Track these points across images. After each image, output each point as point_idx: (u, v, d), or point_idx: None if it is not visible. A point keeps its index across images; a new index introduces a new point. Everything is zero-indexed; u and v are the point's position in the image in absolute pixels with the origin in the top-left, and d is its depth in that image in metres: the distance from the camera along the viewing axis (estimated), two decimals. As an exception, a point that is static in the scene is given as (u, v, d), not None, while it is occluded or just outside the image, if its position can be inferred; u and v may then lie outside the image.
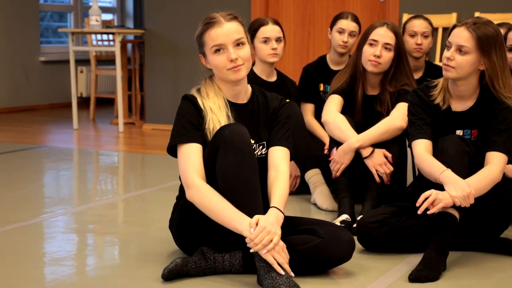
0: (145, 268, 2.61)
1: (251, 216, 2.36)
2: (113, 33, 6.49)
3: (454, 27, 2.73)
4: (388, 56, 3.35)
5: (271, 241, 2.31)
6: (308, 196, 3.69)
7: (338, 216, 3.20)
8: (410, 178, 3.58)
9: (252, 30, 3.76)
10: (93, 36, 7.55)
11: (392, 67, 3.39)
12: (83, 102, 8.17)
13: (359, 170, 3.29)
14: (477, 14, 5.05)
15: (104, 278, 2.54)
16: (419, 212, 2.52)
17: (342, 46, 4.03)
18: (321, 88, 4.13)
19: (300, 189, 3.76)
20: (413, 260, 2.65)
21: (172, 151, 2.55)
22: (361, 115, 3.45)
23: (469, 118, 2.80)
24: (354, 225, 3.03)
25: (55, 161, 5.00)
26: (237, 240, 2.40)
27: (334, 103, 3.45)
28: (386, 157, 3.26)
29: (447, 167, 2.59)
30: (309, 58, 5.42)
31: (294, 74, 4.55)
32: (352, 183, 3.32)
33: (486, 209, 2.72)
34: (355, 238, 2.67)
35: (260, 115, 2.64)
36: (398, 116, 3.30)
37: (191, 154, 2.47)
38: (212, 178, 2.44)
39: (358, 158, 3.29)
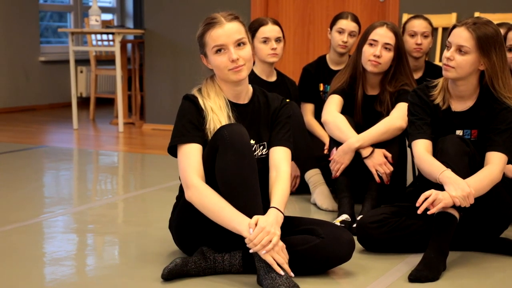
0: (145, 268, 2.61)
1: (250, 216, 2.36)
2: (113, 33, 6.49)
3: (454, 27, 2.73)
4: (388, 56, 3.35)
5: (270, 241, 2.31)
6: (308, 196, 3.69)
7: (338, 216, 3.20)
8: (410, 178, 3.58)
9: (251, 30, 3.76)
10: (93, 36, 7.56)
11: (392, 67, 3.39)
12: (83, 102, 8.17)
13: (359, 170, 3.29)
14: (477, 14, 5.05)
15: (104, 278, 2.54)
16: (419, 212, 2.52)
17: (342, 46, 4.03)
18: (321, 88, 4.13)
19: (300, 189, 3.76)
20: (413, 260, 2.65)
21: (173, 151, 2.55)
22: (361, 115, 3.46)
23: (469, 118, 2.80)
24: (354, 225, 3.03)
25: (55, 161, 5.00)
26: (237, 240, 2.40)
27: (334, 103, 3.45)
28: (386, 157, 3.26)
29: (447, 167, 2.59)
30: (309, 58, 5.42)
31: (294, 74, 4.56)
32: (352, 183, 3.32)
33: (486, 209, 2.72)
34: (355, 238, 2.67)
35: (261, 116, 2.64)
36: (398, 116, 3.30)
37: (191, 154, 2.47)
38: (212, 178, 2.44)
39: (358, 158, 3.29)
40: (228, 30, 2.49)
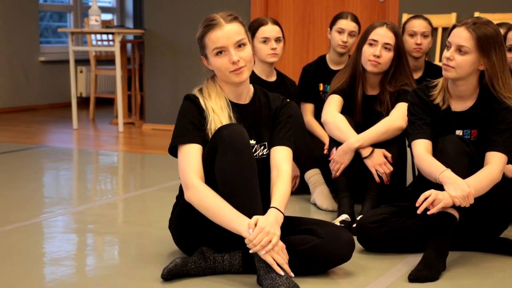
0: (145, 268, 2.61)
1: (250, 217, 2.36)
2: (112, 33, 6.49)
3: (453, 27, 2.73)
4: (387, 56, 3.35)
5: (270, 241, 2.31)
6: (308, 196, 3.69)
7: (338, 216, 3.20)
8: (409, 178, 3.58)
9: (251, 30, 3.76)
10: (93, 36, 7.55)
11: (391, 67, 3.39)
12: (83, 102, 8.17)
13: (359, 170, 3.29)
14: (476, 14, 5.05)
15: (104, 278, 2.54)
16: (419, 212, 2.52)
17: (342, 46, 4.03)
18: (321, 88, 4.13)
19: (300, 189, 3.76)
20: (413, 260, 2.65)
21: (174, 151, 2.55)
22: (361, 115, 3.46)
23: (468, 118, 2.80)
24: (354, 225, 3.03)
25: (55, 161, 5.00)
26: (236, 240, 2.40)
27: (333, 103, 3.45)
28: (385, 157, 3.26)
29: (447, 167, 2.59)
30: (308, 58, 5.42)
31: (294, 74, 4.56)
32: (352, 183, 3.32)
33: (485, 209, 2.72)
34: (355, 238, 2.67)
35: (262, 116, 2.63)
36: (397, 116, 3.30)
37: (191, 155, 2.47)
38: (211, 178, 2.44)
39: (357, 158, 3.29)
40: (228, 32, 2.48)
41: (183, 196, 2.48)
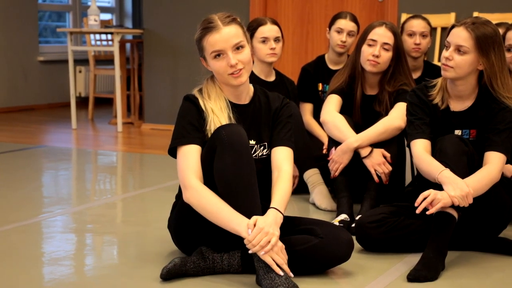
0: (144, 268, 2.61)
1: (249, 217, 2.35)
2: (111, 33, 6.49)
3: (452, 27, 2.73)
4: (386, 56, 3.35)
5: (269, 242, 2.30)
6: (307, 195, 3.69)
7: (337, 215, 3.20)
8: (408, 178, 3.58)
9: (250, 30, 3.77)
10: (92, 36, 7.55)
11: (390, 67, 3.39)
12: (82, 102, 8.17)
13: (358, 170, 3.29)
14: (475, 14, 5.05)
15: (103, 278, 2.53)
16: (418, 211, 2.52)
17: (341, 46, 4.04)
18: (320, 88, 4.13)
19: (299, 189, 3.75)
20: (412, 260, 2.65)
21: (173, 152, 2.54)
22: (360, 115, 3.46)
23: (467, 118, 2.80)
24: (353, 225, 3.03)
25: (54, 161, 4.99)
26: (235, 240, 2.40)
27: (332, 102, 3.45)
28: (384, 157, 3.26)
29: (446, 167, 2.59)
30: (307, 58, 5.42)
31: (293, 74, 4.56)
32: (351, 182, 3.32)
33: (484, 209, 2.72)
34: (354, 237, 2.67)
35: (262, 116, 2.63)
36: (396, 116, 3.30)
37: (190, 156, 2.47)
38: (210, 179, 2.44)
39: (356, 158, 3.29)
40: (226, 35, 2.47)
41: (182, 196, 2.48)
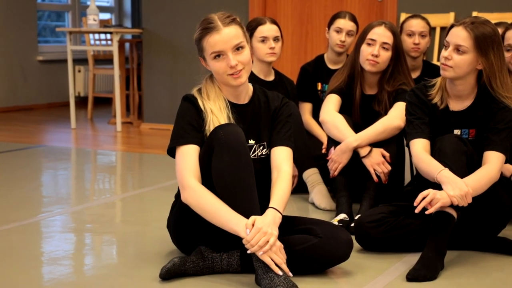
0: (143, 267, 2.61)
1: (247, 217, 2.35)
2: (111, 33, 6.48)
3: (452, 26, 2.73)
4: (386, 55, 3.35)
5: (267, 242, 2.30)
6: (306, 195, 3.69)
7: (336, 215, 3.20)
8: (408, 178, 3.59)
9: (250, 29, 3.76)
10: (91, 35, 7.55)
11: (390, 66, 3.39)
12: (81, 102, 8.17)
13: (357, 170, 3.29)
14: (474, 13, 5.05)
15: (102, 278, 2.53)
16: (417, 211, 2.52)
17: (340, 46, 4.04)
18: (319, 87, 4.13)
19: (298, 189, 3.75)
20: (411, 259, 2.65)
21: (172, 152, 2.54)
22: (359, 114, 3.46)
23: (466, 117, 2.80)
24: (352, 225, 3.03)
25: (53, 160, 4.99)
26: (235, 240, 2.40)
27: (332, 102, 3.45)
28: (384, 157, 3.26)
29: (445, 166, 2.59)
30: (307, 57, 5.42)
31: (292, 73, 4.56)
32: (350, 182, 3.32)
33: (483, 209, 2.72)
34: (353, 237, 2.67)
35: (261, 115, 2.63)
36: (396, 115, 3.30)
37: (188, 156, 2.46)
38: (208, 179, 2.44)
39: (356, 158, 3.29)
40: (226, 36, 2.47)
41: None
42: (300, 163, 3.66)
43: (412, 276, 2.48)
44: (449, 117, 2.81)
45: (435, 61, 5.03)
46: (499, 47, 2.70)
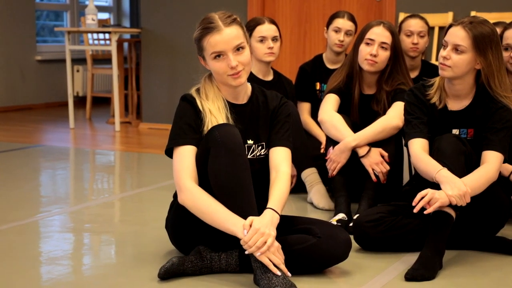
0: (142, 267, 2.61)
1: (245, 217, 2.35)
2: (109, 32, 6.48)
3: (450, 26, 2.73)
4: (384, 55, 3.35)
5: (265, 243, 2.30)
6: (305, 195, 3.69)
7: (335, 215, 3.20)
8: (406, 177, 3.59)
9: (248, 29, 3.76)
10: (89, 35, 7.55)
11: (388, 66, 3.39)
12: (80, 101, 8.16)
13: (356, 169, 3.29)
14: (473, 13, 5.05)
15: (101, 278, 2.53)
16: (415, 211, 2.52)
17: (338, 45, 4.04)
18: (318, 87, 4.13)
19: (297, 188, 3.75)
20: (410, 259, 2.65)
21: (170, 153, 2.53)
22: (358, 114, 3.46)
23: (465, 117, 2.80)
24: (351, 224, 3.03)
25: (52, 160, 4.99)
26: (233, 240, 2.39)
27: (330, 102, 3.45)
28: (382, 156, 3.26)
29: (444, 166, 2.59)
30: (305, 57, 5.42)
31: (291, 73, 4.56)
32: (349, 182, 3.32)
33: (482, 208, 2.72)
34: (351, 237, 2.67)
35: (260, 115, 2.62)
36: (394, 115, 3.30)
37: (185, 157, 2.46)
38: (205, 179, 2.43)
39: (354, 157, 3.29)
40: (227, 36, 2.45)
41: (180, 196, 2.48)
42: (299, 163, 3.66)
43: (410, 276, 2.48)
44: (447, 116, 2.81)
45: (433, 61, 5.03)
46: (498, 46, 2.70)
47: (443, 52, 2.71)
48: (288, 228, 2.52)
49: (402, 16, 5.22)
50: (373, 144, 3.29)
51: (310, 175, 3.62)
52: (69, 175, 4.58)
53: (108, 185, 4.39)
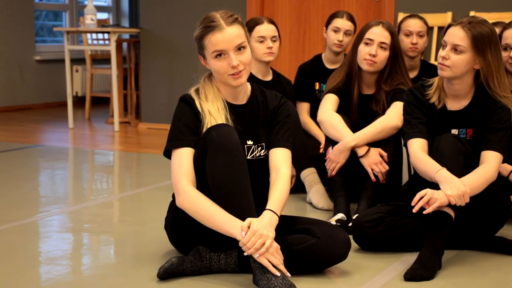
0: (141, 267, 2.60)
1: (243, 218, 2.34)
2: (108, 32, 6.48)
3: (449, 26, 2.73)
4: (383, 55, 3.35)
5: (263, 244, 2.29)
6: (304, 195, 3.69)
7: (334, 215, 3.20)
8: (405, 177, 3.59)
9: (247, 29, 3.76)
10: (89, 35, 7.54)
11: (387, 66, 3.39)
12: (79, 101, 8.16)
13: (355, 169, 3.29)
14: (472, 13, 5.05)
15: (100, 278, 2.53)
16: (414, 211, 2.52)
17: (338, 45, 4.04)
18: (317, 87, 4.13)
19: (296, 188, 3.75)
20: (409, 259, 2.65)
21: (169, 154, 2.53)
22: (357, 114, 3.46)
23: (464, 117, 2.80)
24: (350, 224, 3.03)
25: (51, 160, 4.99)
26: (232, 240, 2.39)
27: (329, 102, 3.45)
28: (381, 156, 3.26)
29: (443, 166, 2.59)
30: (304, 57, 5.42)
31: (290, 73, 4.56)
32: (348, 182, 3.33)
33: (481, 208, 2.72)
34: (351, 237, 2.67)
35: (260, 116, 2.61)
36: (393, 115, 3.30)
37: (183, 159, 2.45)
38: (203, 180, 2.43)
39: (353, 157, 3.29)
40: (229, 35, 2.45)
41: (179, 196, 2.47)
42: (298, 163, 3.66)
43: (409, 276, 2.48)
44: (446, 116, 2.81)
45: (432, 61, 5.03)
46: (497, 46, 2.70)
47: (442, 52, 2.71)
48: (287, 228, 2.52)
49: (401, 16, 5.22)
50: (372, 144, 3.29)
51: (309, 175, 3.62)
52: (68, 175, 4.58)
53: (107, 185, 4.39)
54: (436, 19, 5.22)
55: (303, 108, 4.11)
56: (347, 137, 3.29)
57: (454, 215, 2.57)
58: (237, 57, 2.46)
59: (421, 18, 3.92)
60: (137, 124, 6.63)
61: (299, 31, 5.94)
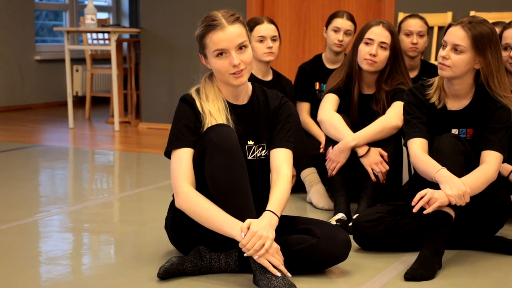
0: (141, 267, 2.60)
1: (242, 219, 2.34)
2: (108, 32, 6.48)
3: (449, 26, 2.73)
4: (383, 55, 3.35)
5: (263, 245, 2.29)
6: (304, 195, 3.69)
7: (334, 215, 3.20)
8: (405, 177, 3.59)
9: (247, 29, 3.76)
10: (89, 35, 7.54)
11: (387, 66, 3.39)
12: (79, 101, 8.16)
13: (355, 169, 3.29)
14: (472, 13, 5.05)
15: (100, 277, 2.53)
16: (414, 210, 2.52)
17: (338, 45, 4.04)
18: (317, 87, 4.13)
19: (296, 188, 3.75)
20: (409, 259, 2.65)
21: (170, 154, 2.52)
22: (357, 114, 3.46)
23: (464, 117, 2.80)
24: (350, 224, 3.03)
25: (51, 160, 4.99)
26: (232, 240, 2.39)
27: (330, 102, 3.45)
28: (381, 156, 3.26)
29: (443, 166, 2.59)
30: (304, 57, 5.42)
31: (290, 73, 4.56)
32: (348, 181, 3.33)
33: (481, 208, 2.72)
34: (351, 237, 2.67)
35: (261, 116, 2.60)
36: (393, 115, 3.30)
37: (183, 160, 2.44)
38: (202, 181, 2.42)
39: (354, 157, 3.29)
40: (230, 34, 2.44)
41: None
42: (298, 163, 3.66)
43: (410, 276, 2.48)
44: (446, 116, 2.81)
45: (433, 61, 5.03)
46: (497, 46, 2.70)
47: (442, 52, 2.71)
48: (287, 228, 2.52)
49: (401, 16, 5.22)
50: (372, 144, 3.29)
51: (310, 175, 3.62)
52: (68, 175, 4.58)
53: (107, 185, 4.39)
54: (436, 19, 5.22)
55: (303, 108, 4.11)
56: (347, 137, 3.29)
57: (454, 215, 2.57)
58: (238, 56, 2.45)
59: (422, 18, 3.92)
60: (137, 124, 6.63)
61: (299, 31, 5.94)
